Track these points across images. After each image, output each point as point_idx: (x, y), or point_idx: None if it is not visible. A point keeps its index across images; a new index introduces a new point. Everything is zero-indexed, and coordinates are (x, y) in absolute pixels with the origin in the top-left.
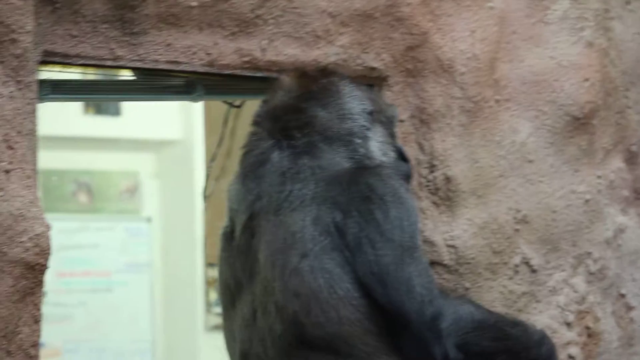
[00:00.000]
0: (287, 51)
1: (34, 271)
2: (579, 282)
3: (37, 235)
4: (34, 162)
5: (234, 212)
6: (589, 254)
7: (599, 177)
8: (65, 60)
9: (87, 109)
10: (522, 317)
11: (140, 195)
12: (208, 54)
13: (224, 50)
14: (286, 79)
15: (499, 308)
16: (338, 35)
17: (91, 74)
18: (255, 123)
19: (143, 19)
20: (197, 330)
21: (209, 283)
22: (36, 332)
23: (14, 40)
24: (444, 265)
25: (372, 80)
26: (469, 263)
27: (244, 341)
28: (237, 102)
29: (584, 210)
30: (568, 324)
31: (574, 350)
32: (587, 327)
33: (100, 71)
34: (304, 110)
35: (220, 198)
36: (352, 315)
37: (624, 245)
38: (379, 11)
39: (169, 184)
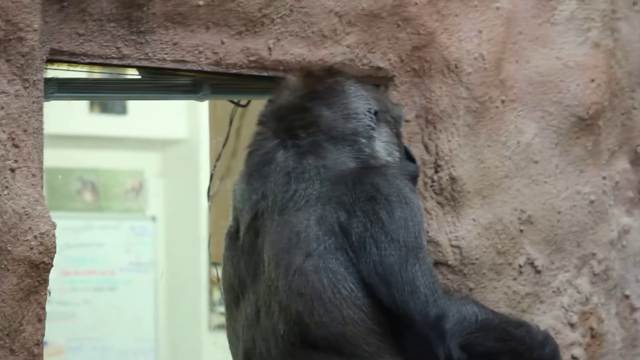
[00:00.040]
0: (294, 50)
1: (38, 270)
2: (583, 283)
3: (41, 233)
4: (39, 160)
5: (239, 211)
6: (594, 254)
7: (604, 178)
8: (71, 58)
9: (92, 107)
10: (526, 317)
11: (145, 194)
12: (215, 53)
13: (231, 50)
14: (292, 79)
15: (503, 308)
16: (345, 35)
17: (97, 73)
18: (261, 122)
19: (150, 18)
20: (200, 329)
21: (212, 282)
22: (40, 331)
23: (20, 39)
24: (449, 266)
25: (378, 80)
26: (473, 263)
27: (247, 340)
28: (243, 102)
29: (588, 211)
30: (572, 325)
31: (577, 351)
32: (591, 328)
33: (107, 70)
34: (309, 109)
35: (225, 197)
36: (355, 315)
37: (628, 246)
38: (386, 11)
39: (173, 183)
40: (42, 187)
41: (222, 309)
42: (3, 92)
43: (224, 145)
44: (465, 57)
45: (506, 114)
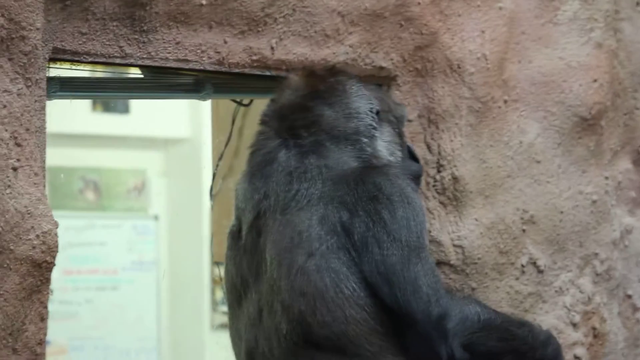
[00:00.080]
0: (297, 50)
1: (40, 269)
2: (586, 282)
3: (44, 232)
4: (42, 159)
5: (241, 211)
6: (596, 254)
7: (606, 178)
8: (74, 57)
9: (95, 106)
10: (529, 317)
11: (147, 193)
12: (217, 52)
13: (233, 49)
14: (294, 78)
15: (505, 308)
16: (347, 35)
17: (100, 72)
18: (263, 122)
19: (153, 17)
20: (203, 328)
21: (215, 282)
22: (42, 330)
23: (23, 37)
24: (451, 265)
25: (380, 80)
26: (475, 263)
27: (249, 340)
28: (245, 101)
29: (591, 211)
30: (574, 325)
31: (580, 351)
32: (594, 328)
33: (109, 69)
34: (310, 109)
35: (227, 197)
36: (358, 314)
37: (630, 246)
38: (389, 11)
39: (176, 182)
40: (44, 186)
41: (224, 308)
42: (5, 91)
43: (227, 144)
44: (467, 57)
45: (509, 114)
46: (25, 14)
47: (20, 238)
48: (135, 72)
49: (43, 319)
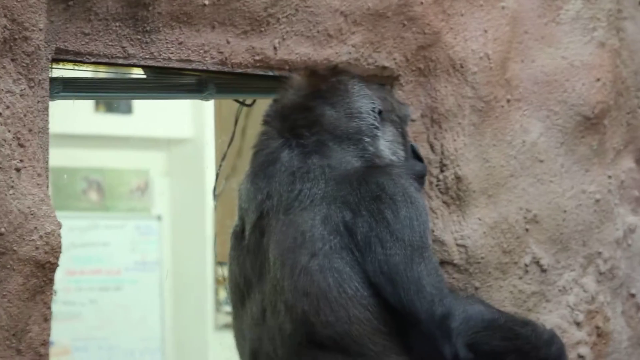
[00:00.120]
0: (299, 50)
1: (44, 269)
2: (589, 281)
3: (47, 233)
4: (45, 160)
5: (244, 211)
6: (599, 253)
7: (609, 177)
8: (77, 58)
9: (98, 107)
10: (532, 316)
11: (150, 193)
12: (220, 52)
13: (236, 49)
14: (296, 78)
15: (508, 307)
16: (350, 35)
17: (103, 72)
18: (265, 122)
19: (155, 17)
20: (206, 328)
21: (218, 282)
22: (46, 331)
23: (26, 38)
24: (454, 265)
25: (383, 80)
26: (479, 262)
27: (253, 340)
28: (248, 101)
29: (594, 210)
30: (578, 324)
31: (583, 350)
32: (597, 327)
33: (112, 69)
34: (312, 109)
35: (230, 197)
36: (361, 314)
37: (634, 245)
38: (391, 10)
39: (179, 182)
40: (47, 187)
41: (228, 308)
42: (8, 92)
43: (230, 144)
44: (470, 57)
45: (511, 113)
46: (28, 14)
47: (24, 239)
48: (137, 73)
49: (47, 319)
